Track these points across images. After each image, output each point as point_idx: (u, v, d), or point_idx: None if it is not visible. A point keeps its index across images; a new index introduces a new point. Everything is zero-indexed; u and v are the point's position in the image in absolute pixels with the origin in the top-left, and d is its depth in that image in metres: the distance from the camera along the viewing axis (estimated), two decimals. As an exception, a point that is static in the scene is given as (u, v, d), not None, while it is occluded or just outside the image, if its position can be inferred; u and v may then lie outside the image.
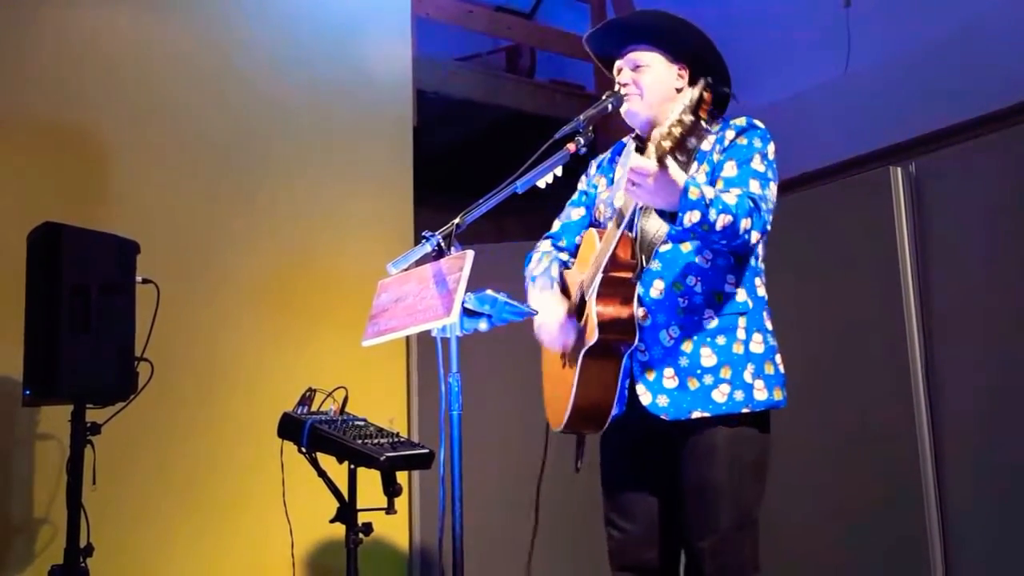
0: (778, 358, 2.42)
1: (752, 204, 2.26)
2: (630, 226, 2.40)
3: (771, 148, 2.42)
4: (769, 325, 2.43)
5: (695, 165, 2.42)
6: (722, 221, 2.20)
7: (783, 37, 5.72)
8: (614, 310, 2.36)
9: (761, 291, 2.44)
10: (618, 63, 2.56)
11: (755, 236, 2.27)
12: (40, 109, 3.74)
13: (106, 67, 3.89)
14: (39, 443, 3.50)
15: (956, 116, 4.60)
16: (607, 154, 2.71)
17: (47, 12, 3.80)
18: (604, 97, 2.48)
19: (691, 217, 2.17)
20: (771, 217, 2.35)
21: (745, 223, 2.23)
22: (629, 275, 2.39)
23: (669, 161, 2.11)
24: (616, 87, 2.52)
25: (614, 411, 2.37)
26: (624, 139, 2.66)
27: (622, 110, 2.55)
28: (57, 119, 3.76)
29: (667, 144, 2.06)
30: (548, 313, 2.53)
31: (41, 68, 3.76)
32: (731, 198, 2.24)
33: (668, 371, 2.36)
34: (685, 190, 2.16)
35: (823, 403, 3.49)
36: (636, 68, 2.52)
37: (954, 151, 3.69)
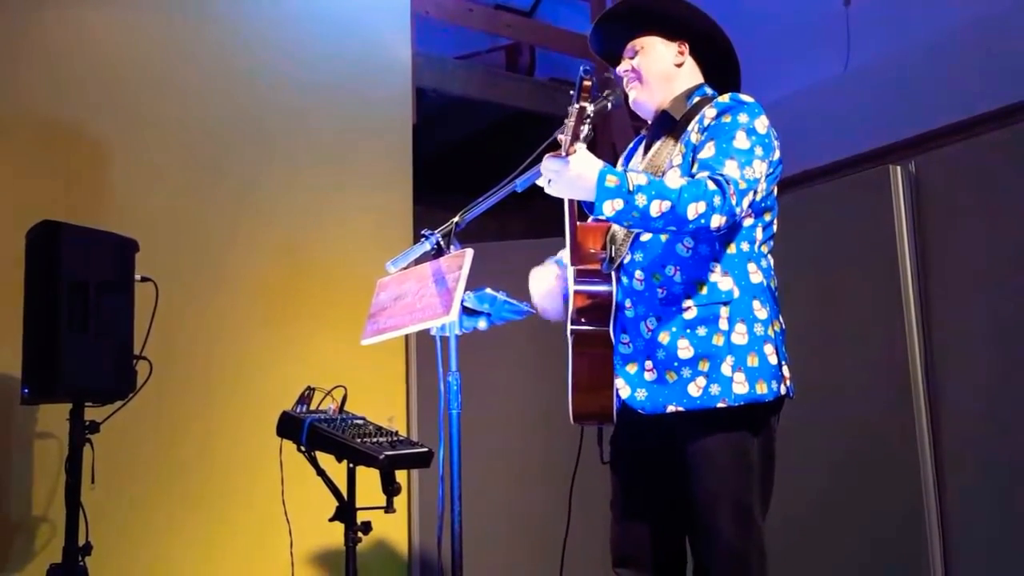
0: (768, 348, 2.30)
1: (715, 187, 2.18)
2: (582, 217, 2.42)
3: (760, 121, 2.32)
4: (762, 313, 2.31)
5: (678, 147, 2.40)
6: (658, 207, 2.14)
7: (783, 36, 5.72)
8: (586, 299, 2.38)
9: (756, 277, 2.33)
10: (623, 56, 2.55)
11: (717, 220, 2.18)
12: (39, 107, 3.73)
13: (105, 65, 3.89)
14: (38, 442, 3.50)
15: (956, 114, 4.61)
16: (630, 146, 2.70)
17: (46, 11, 3.79)
18: (604, 95, 2.46)
19: (613, 205, 2.15)
20: (751, 198, 2.25)
21: (696, 208, 2.15)
22: (597, 266, 2.41)
23: (581, 153, 2.17)
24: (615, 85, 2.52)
25: (618, 404, 2.36)
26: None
27: (631, 102, 2.54)
28: (56, 117, 3.75)
29: (567, 137, 2.13)
30: (538, 280, 2.60)
31: (40, 66, 3.75)
32: (675, 182, 2.19)
33: (648, 363, 2.32)
34: (601, 179, 2.15)
35: (821, 401, 3.48)
36: (634, 54, 2.52)
37: (954, 150, 3.69)
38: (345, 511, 2.94)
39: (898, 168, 3.54)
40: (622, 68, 2.53)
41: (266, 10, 4.34)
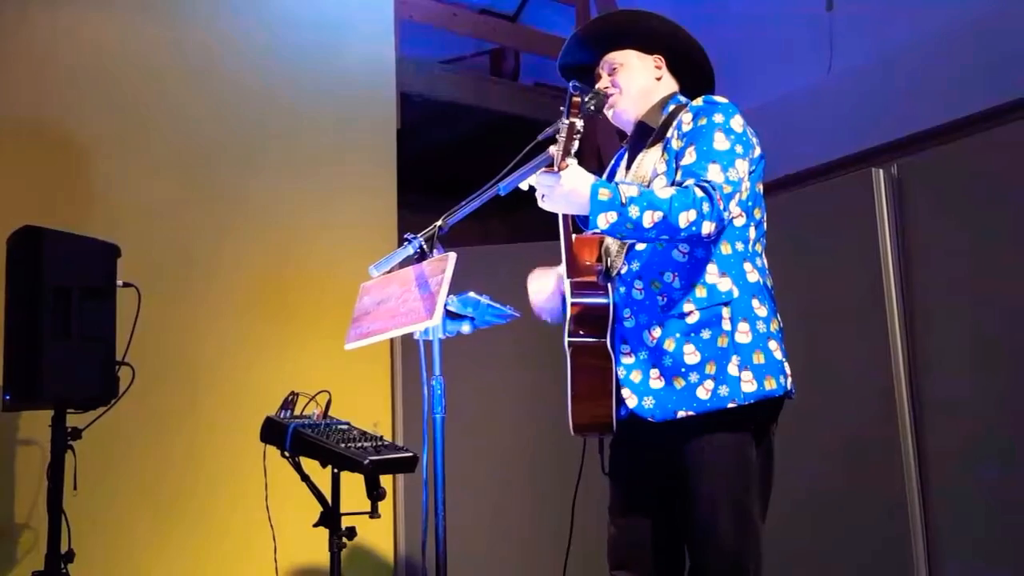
0: (772, 344, 2.33)
1: (702, 194, 2.21)
2: (577, 230, 2.45)
3: (736, 120, 2.36)
4: (762, 311, 2.34)
5: (661, 155, 2.42)
6: (650, 217, 2.18)
7: (766, 40, 5.75)
8: (584, 311, 2.39)
9: (753, 276, 2.36)
10: (597, 71, 2.60)
11: (707, 227, 2.22)
12: (20, 111, 3.71)
13: (89, 69, 3.87)
14: (19, 448, 3.47)
15: (938, 118, 4.64)
16: (611, 163, 2.72)
17: (29, 14, 3.77)
18: (587, 99, 2.47)
19: (607, 218, 2.19)
20: (737, 199, 2.29)
21: (686, 216, 2.19)
22: (593, 278, 2.43)
23: (574, 168, 2.22)
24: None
25: (619, 413, 2.37)
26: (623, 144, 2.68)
27: (608, 113, 2.57)
28: (38, 121, 3.73)
29: (559, 152, 2.19)
30: (537, 280, 2.62)
31: (22, 70, 3.73)
32: (665, 192, 2.23)
33: (654, 372, 2.34)
34: (594, 193, 2.19)
35: (806, 402, 3.49)
36: (612, 71, 2.56)
37: (936, 153, 3.71)
38: (330, 517, 2.92)
39: (880, 171, 3.56)
40: (601, 84, 2.56)
41: (250, 14, 4.33)
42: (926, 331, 3.40)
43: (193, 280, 3.97)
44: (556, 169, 2.22)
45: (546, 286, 2.60)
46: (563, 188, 2.22)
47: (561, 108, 2.16)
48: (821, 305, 3.65)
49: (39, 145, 3.72)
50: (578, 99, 2.14)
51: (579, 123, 2.16)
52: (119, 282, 3.20)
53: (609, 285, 2.42)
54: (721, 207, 2.23)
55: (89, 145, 3.83)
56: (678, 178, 2.32)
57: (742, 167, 2.32)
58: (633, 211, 2.18)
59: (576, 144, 2.20)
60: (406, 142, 4.78)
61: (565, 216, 2.42)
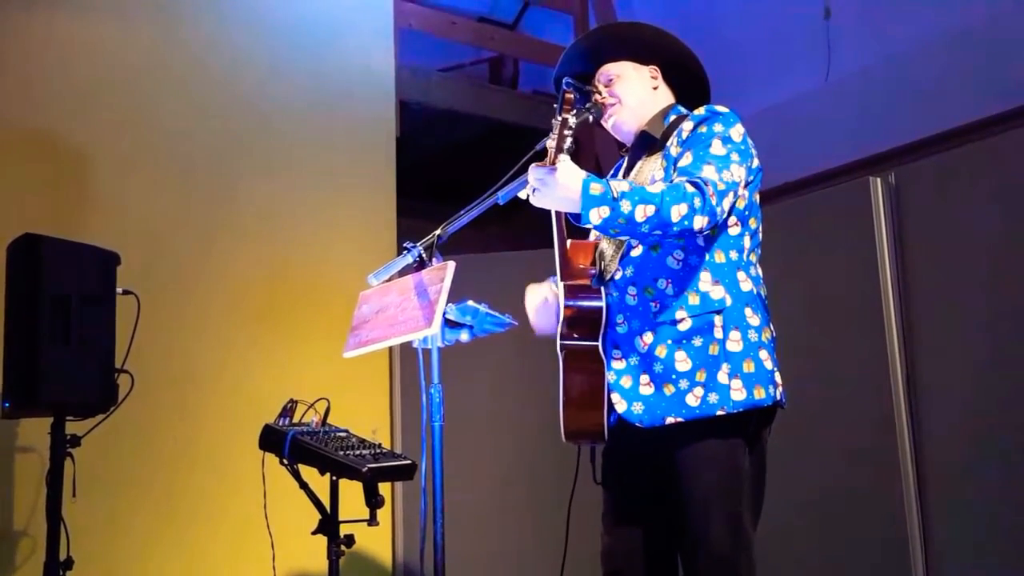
0: (763, 354, 2.33)
1: (694, 189, 2.21)
2: (572, 234, 2.45)
3: (736, 130, 2.37)
4: (754, 320, 2.34)
5: (660, 162, 2.43)
6: (643, 211, 2.18)
7: (764, 48, 5.76)
8: (576, 315, 2.38)
9: (746, 285, 2.36)
10: (594, 82, 2.60)
11: (699, 221, 2.21)
12: (18, 119, 3.71)
13: (86, 76, 3.87)
14: (18, 455, 3.47)
15: (935, 126, 4.64)
16: (611, 172, 2.73)
17: (26, 21, 3.78)
18: (585, 108, 2.49)
19: (600, 213, 2.19)
20: (731, 200, 2.29)
21: (678, 209, 2.19)
22: (586, 281, 2.43)
23: (565, 164, 2.23)
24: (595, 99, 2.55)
25: (610, 421, 2.37)
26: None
27: (608, 125, 2.58)
28: (36, 129, 3.74)
29: (552, 148, 2.21)
30: (533, 294, 2.63)
31: (19, 77, 3.74)
32: (656, 187, 2.24)
33: (644, 377, 2.34)
34: (585, 188, 2.20)
35: (804, 411, 3.49)
36: (609, 82, 2.57)
37: (933, 161, 3.72)
38: (328, 524, 2.92)
39: (878, 180, 3.56)
40: (599, 95, 2.56)
41: (248, 21, 4.34)
42: (924, 337, 3.41)
43: (193, 287, 3.97)
44: (549, 164, 2.23)
45: (538, 299, 2.61)
46: (555, 182, 2.22)
47: (555, 106, 2.18)
48: (819, 312, 3.65)
49: (39, 154, 3.72)
50: (571, 96, 2.16)
51: (572, 119, 2.17)
52: (119, 289, 3.20)
53: (602, 289, 2.42)
54: (714, 202, 2.23)
55: (89, 154, 3.83)
56: (673, 177, 2.33)
57: (738, 172, 2.32)
58: (625, 205, 2.18)
59: (569, 140, 2.21)
60: (405, 149, 4.78)
61: (559, 218, 2.41)
